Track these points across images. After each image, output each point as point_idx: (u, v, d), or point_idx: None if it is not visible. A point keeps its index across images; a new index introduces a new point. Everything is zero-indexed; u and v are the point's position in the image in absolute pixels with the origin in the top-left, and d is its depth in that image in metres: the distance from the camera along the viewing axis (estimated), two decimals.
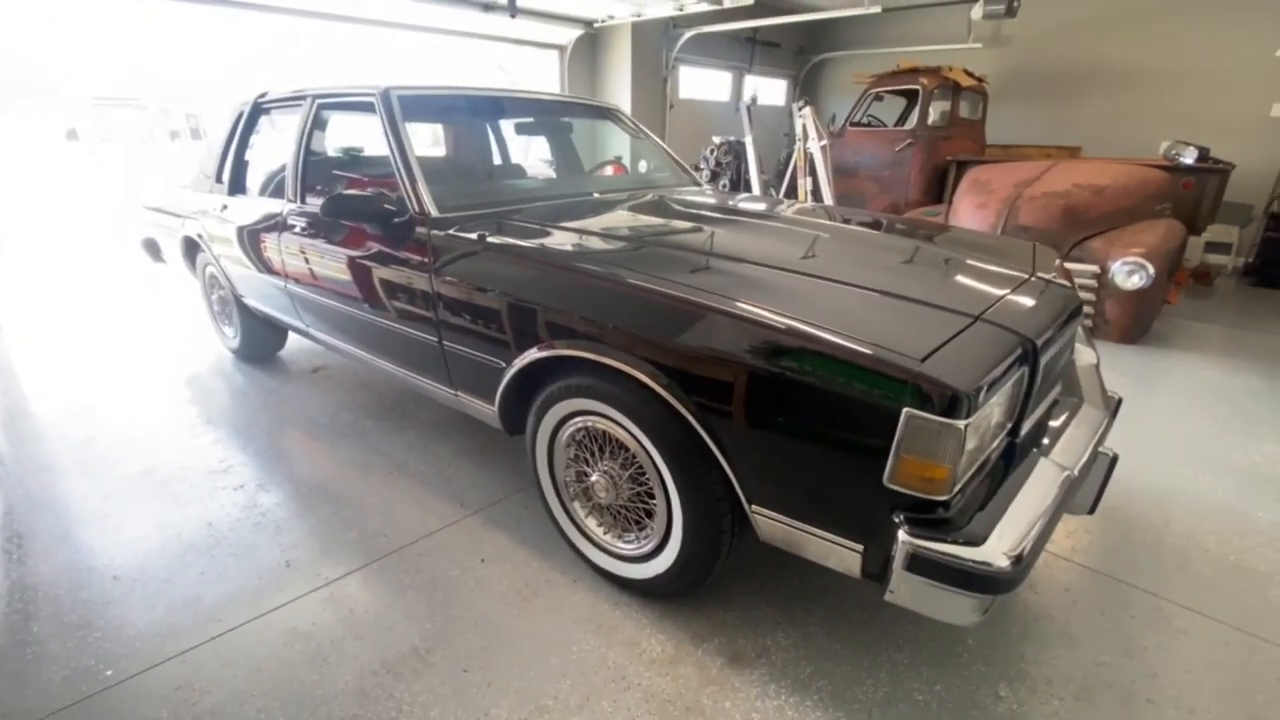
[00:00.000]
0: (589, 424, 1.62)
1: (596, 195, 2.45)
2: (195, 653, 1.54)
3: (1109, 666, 1.52)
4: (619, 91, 6.90)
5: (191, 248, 3.32)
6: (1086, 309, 3.81)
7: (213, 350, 3.60)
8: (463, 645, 1.55)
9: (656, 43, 6.85)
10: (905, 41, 7.49)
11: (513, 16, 5.43)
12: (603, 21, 6.54)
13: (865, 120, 6.42)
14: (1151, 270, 3.56)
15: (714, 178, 6.30)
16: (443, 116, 2.77)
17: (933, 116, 5.84)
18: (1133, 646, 1.58)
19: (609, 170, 3.09)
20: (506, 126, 2.96)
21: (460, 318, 1.80)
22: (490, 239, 1.77)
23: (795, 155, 5.38)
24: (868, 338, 1.15)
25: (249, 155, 2.90)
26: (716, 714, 1.38)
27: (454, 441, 2.55)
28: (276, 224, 2.49)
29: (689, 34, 6.71)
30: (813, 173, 5.27)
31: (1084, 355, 2.01)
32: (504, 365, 1.71)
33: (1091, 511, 1.54)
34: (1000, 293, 1.46)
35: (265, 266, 2.65)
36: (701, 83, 7.82)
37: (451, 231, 1.84)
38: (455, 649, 1.54)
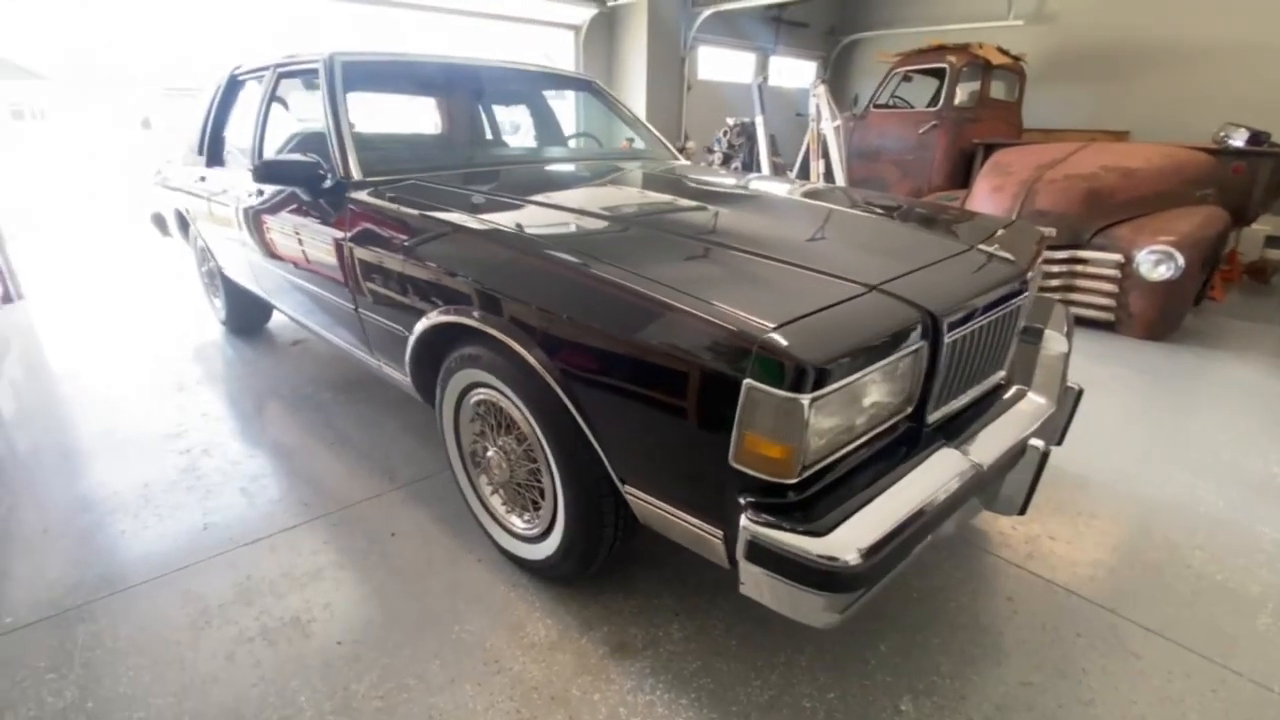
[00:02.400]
0: (487, 397, 1.55)
1: (551, 167, 2.37)
2: (91, 607, 1.55)
3: (1035, 687, 1.36)
4: (635, 72, 6.75)
5: (182, 221, 3.40)
6: (1106, 300, 3.51)
7: (210, 323, 3.69)
8: (345, 618, 1.51)
9: (675, 21, 6.66)
10: (942, 20, 7.08)
11: None
12: None
13: (890, 102, 6.09)
14: (1181, 260, 3.23)
15: (726, 160, 6.11)
16: (390, 85, 2.73)
17: (960, 97, 5.48)
18: (1070, 667, 1.41)
19: (609, 146, 2.98)
20: (462, 97, 2.89)
21: (370, 282, 1.76)
22: (389, 198, 1.71)
23: (808, 136, 5.14)
24: (727, 304, 1.04)
25: (227, 128, 2.93)
26: (582, 706, 1.29)
27: (404, 417, 2.52)
28: (240, 194, 2.50)
29: (708, 11, 6.51)
30: (826, 154, 5.03)
31: (1054, 343, 1.81)
32: (407, 333, 1.66)
33: (1022, 511, 1.37)
34: (918, 264, 1.31)
35: (235, 237, 2.67)
36: (722, 64, 7.58)
37: (365, 195, 1.79)
38: (336, 621, 1.50)
